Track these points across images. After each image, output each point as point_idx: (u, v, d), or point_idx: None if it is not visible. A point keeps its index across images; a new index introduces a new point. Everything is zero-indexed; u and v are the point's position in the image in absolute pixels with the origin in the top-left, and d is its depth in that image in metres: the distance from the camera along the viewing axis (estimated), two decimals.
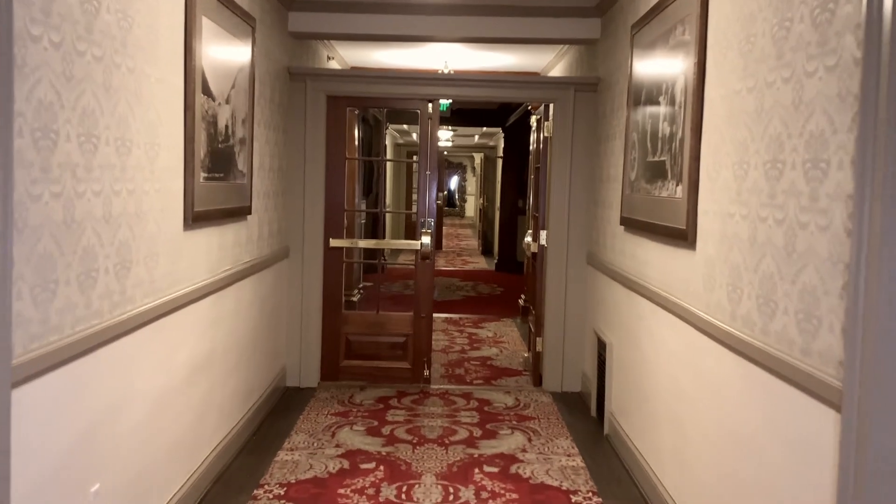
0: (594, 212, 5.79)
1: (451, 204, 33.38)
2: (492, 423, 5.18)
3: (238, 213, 4.36)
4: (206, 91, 3.71)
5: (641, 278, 4.27)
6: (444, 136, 14.92)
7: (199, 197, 3.63)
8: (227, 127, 4.09)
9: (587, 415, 5.48)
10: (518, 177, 14.31)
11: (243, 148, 4.42)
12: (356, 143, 9.37)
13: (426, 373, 6.08)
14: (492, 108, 13.84)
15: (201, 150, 3.67)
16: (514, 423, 5.22)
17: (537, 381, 6.19)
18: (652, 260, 4.08)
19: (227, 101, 4.08)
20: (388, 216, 14.70)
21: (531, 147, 9.34)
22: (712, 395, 3.12)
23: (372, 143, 13.16)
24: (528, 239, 6.83)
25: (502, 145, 14.83)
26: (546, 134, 6.10)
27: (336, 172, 6.01)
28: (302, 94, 5.84)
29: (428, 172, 6.04)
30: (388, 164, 15.20)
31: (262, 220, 5.03)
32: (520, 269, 13.67)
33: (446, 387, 6.09)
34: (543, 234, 6.10)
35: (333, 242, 6.01)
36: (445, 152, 22.11)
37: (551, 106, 6.11)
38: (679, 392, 3.57)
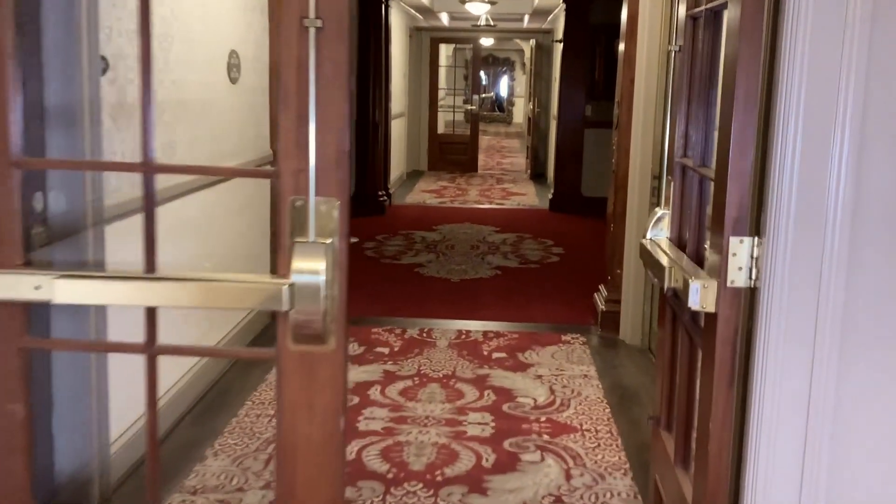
0: None
1: (498, 108, 28.62)
2: None
3: None
4: None
5: None
6: (479, 10, 10.28)
7: None
8: None
9: None
10: (587, 69, 9.70)
11: None
12: None
13: None
14: None
15: None
16: None
17: None
18: None
19: None
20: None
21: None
22: None
23: (364, 28, 8.65)
24: (662, 248, 2.20)
25: (562, 25, 10.15)
26: None
27: None
28: None
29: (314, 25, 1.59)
30: (397, 54, 10.57)
31: None
32: (587, 211, 9.22)
33: None
34: (744, 247, 1.67)
35: None
36: (483, 40, 17.29)
37: None
38: None
